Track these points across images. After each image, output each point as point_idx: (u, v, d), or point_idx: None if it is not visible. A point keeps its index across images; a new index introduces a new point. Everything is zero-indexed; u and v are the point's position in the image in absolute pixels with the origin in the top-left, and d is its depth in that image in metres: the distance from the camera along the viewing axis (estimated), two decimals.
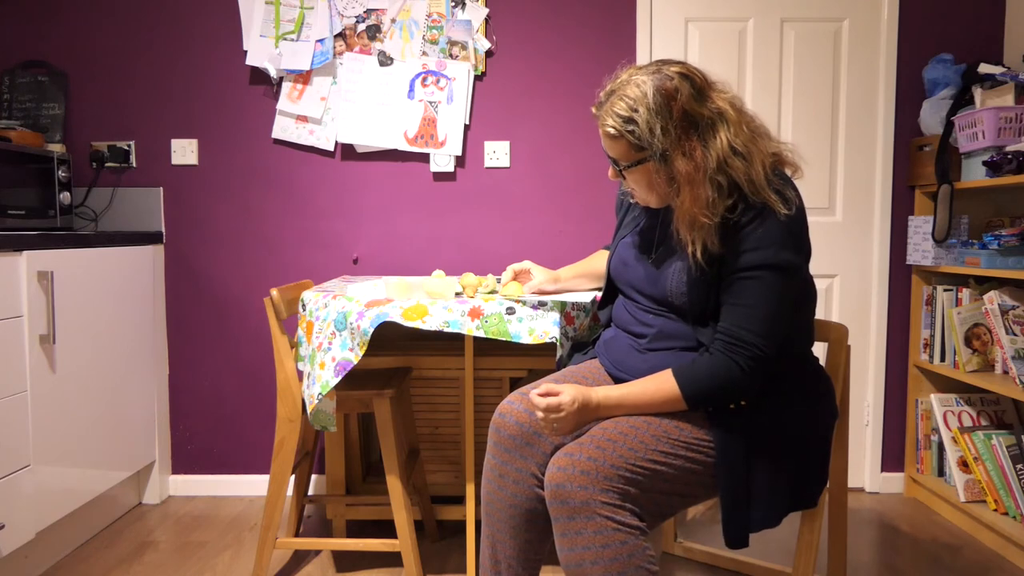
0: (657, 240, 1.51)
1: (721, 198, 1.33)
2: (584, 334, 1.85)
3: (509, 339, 1.71)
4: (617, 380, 1.57)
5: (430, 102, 2.57)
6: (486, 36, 2.58)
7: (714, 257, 1.36)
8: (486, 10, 2.56)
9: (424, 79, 2.57)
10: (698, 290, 1.39)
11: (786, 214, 1.33)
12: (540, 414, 1.35)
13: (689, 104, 1.32)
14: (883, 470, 2.71)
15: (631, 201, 1.59)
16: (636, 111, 1.32)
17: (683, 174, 1.32)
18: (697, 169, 1.31)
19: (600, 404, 1.38)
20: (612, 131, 1.36)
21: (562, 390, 1.35)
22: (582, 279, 1.85)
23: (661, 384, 1.37)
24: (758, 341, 1.32)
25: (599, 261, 1.85)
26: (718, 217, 1.33)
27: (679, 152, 1.32)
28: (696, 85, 1.34)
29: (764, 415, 1.38)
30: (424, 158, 2.62)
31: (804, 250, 1.39)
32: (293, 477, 2.38)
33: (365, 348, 1.77)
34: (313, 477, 2.65)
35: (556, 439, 1.47)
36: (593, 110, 1.41)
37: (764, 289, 1.33)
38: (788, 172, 1.43)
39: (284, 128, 2.60)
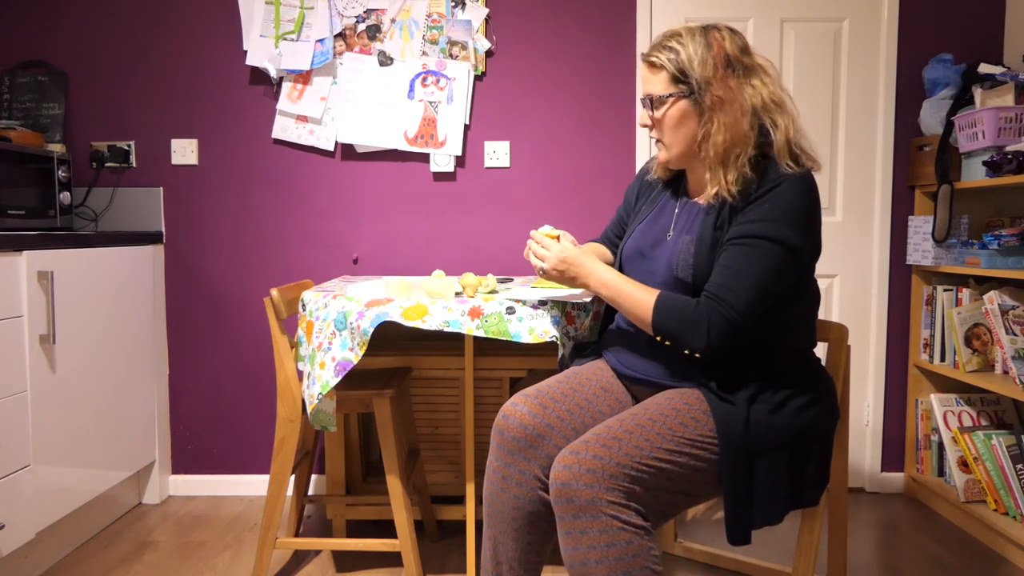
0: (674, 223, 1.53)
1: (751, 140, 1.39)
2: (585, 334, 1.85)
3: (509, 339, 1.71)
4: (623, 377, 1.57)
5: (430, 102, 2.57)
6: (486, 36, 2.58)
7: (719, 216, 1.42)
8: (486, 10, 2.56)
9: (424, 79, 2.57)
10: (704, 261, 1.40)
11: (799, 196, 1.36)
12: (532, 247, 1.52)
13: (731, 49, 1.40)
14: (883, 470, 2.71)
15: (650, 178, 1.65)
16: (681, 44, 1.41)
17: (717, 104, 1.38)
18: (733, 101, 1.38)
19: (592, 274, 1.48)
20: (655, 60, 1.43)
21: (565, 242, 1.50)
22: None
23: (645, 297, 1.41)
24: (736, 304, 1.34)
25: (598, 249, 1.85)
26: (744, 155, 1.38)
27: (717, 84, 1.38)
28: (740, 40, 1.43)
29: (767, 414, 1.38)
30: (424, 158, 2.62)
31: (810, 239, 1.39)
32: (293, 477, 2.38)
33: (365, 348, 1.77)
34: (313, 477, 2.65)
35: (560, 441, 1.47)
36: (641, 52, 1.50)
37: (755, 258, 1.35)
38: (808, 165, 1.43)
39: (284, 128, 2.60)
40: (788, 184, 1.37)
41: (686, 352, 1.39)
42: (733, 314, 1.33)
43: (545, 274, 1.51)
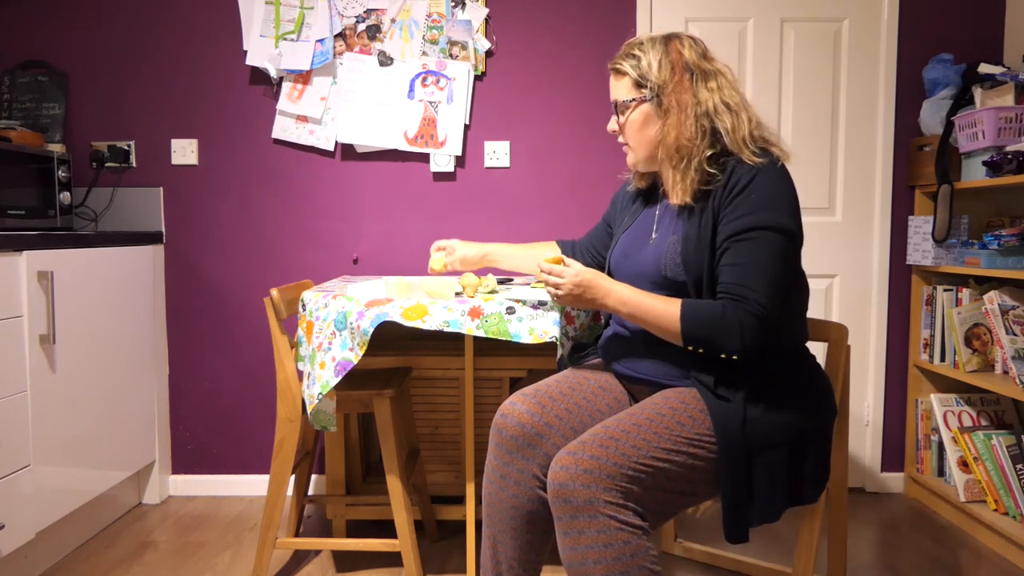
0: (656, 224, 1.55)
1: (703, 140, 1.43)
2: (584, 334, 1.85)
3: (509, 339, 1.71)
4: (621, 377, 1.58)
5: (430, 102, 2.57)
6: (486, 36, 2.58)
7: (703, 214, 1.43)
8: (486, 10, 2.56)
9: (424, 79, 2.57)
10: (692, 260, 1.41)
11: (779, 183, 1.39)
12: (543, 277, 1.47)
13: (689, 55, 1.47)
14: (883, 470, 2.71)
15: (630, 189, 1.67)
16: (643, 51, 1.48)
17: (672, 104, 1.44)
18: (686, 103, 1.44)
19: (611, 293, 1.44)
20: (619, 67, 1.51)
21: (572, 263, 1.46)
22: (515, 259, 1.92)
23: (669, 308, 1.39)
24: (760, 299, 1.34)
25: (543, 250, 1.90)
26: (699, 153, 1.43)
27: (672, 87, 1.45)
28: (700, 47, 1.50)
29: (764, 411, 1.38)
30: (424, 158, 2.62)
31: (799, 224, 1.41)
32: (293, 477, 2.38)
33: (365, 348, 1.77)
34: (313, 477, 2.65)
35: (559, 440, 1.47)
36: (609, 63, 1.54)
37: (763, 249, 1.36)
38: (775, 153, 1.46)
39: (284, 128, 2.60)
40: (765, 174, 1.39)
41: (722, 357, 1.39)
42: (760, 309, 1.34)
43: (560, 300, 1.48)
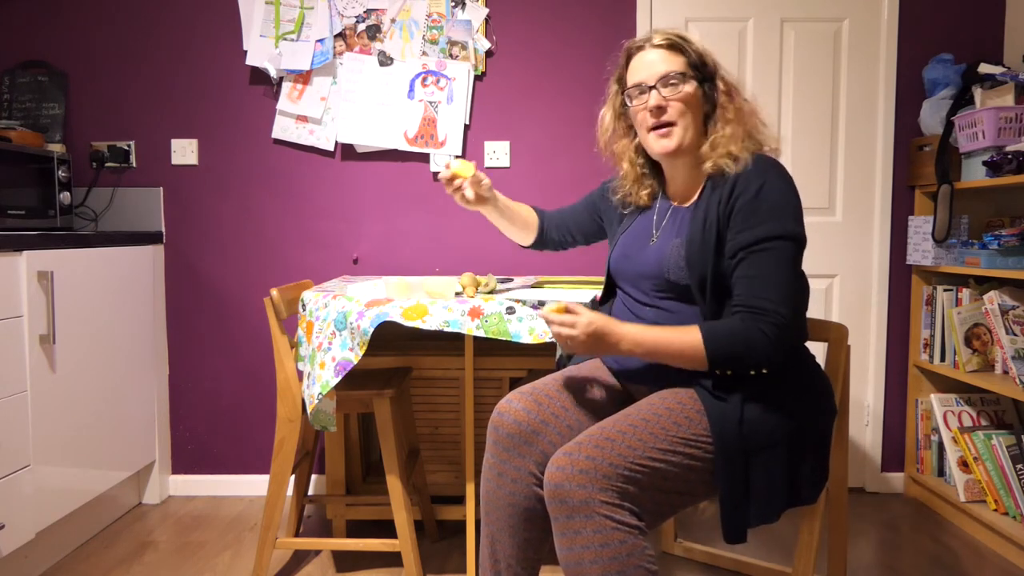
0: (656, 225, 1.54)
1: (744, 141, 1.46)
2: None
3: (509, 339, 1.71)
4: (619, 376, 1.57)
5: (430, 102, 2.57)
6: (486, 36, 2.58)
7: (707, 217, 1.42)
8: (486, 10, 2.56)
9: (424, 79, 2.57)
10: (696, 262, 1.40)
11: (786, 189, 1.39)
12: (554, 328, 1.38)
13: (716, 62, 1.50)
14: (883, 470, 2.71)
15: (616, 198, 1.65)
16: (688, 41, 1.47)
17: (720, 99, 1.46)
18: (725, 103, 1.46)
19: (624, 337, 1.37)
20: (675, 42, 1.46)
21: (581, 312, 1.38)
22: (508, 211, 1.80)
23: (686, 336, 1.36)
24: (778, 308, 1.33)
25: (522, 207, 1.84)
26: (725, 151, 1.44)
27: (719, 79, 1.47)
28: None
29: (761, 411, 1.38)
30: (424, 158, 2.62)
31: (803, 225, 1.41)
32: (293, 477, 2.38)
33: (365, 348, 1.77)
34: (313, 477, 2.65)
35: (555, 438, 1.47)
36: (626, 43, 1.52)
37: (777, 259, 1.36)
38: (769, 146, 1.49)
39: (284, 128, 2.60)
40: (772, 180, 1.39)
41: (751, 373, 1.38)
42: (780, 319, 1.33)
43: (572, 349, 1.41)
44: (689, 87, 1.45)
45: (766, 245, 1.36)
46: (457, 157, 1.79)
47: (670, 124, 1.46)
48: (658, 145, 1.48)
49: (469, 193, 1.67)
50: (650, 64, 1.47)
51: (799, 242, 1.39)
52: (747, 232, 1.37)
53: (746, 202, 1.38)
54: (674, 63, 1.45)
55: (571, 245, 1.88)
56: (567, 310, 1.38)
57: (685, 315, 1.44)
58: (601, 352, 1.40)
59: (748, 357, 1.34)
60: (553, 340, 1.70)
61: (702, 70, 1.46)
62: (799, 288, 1.39)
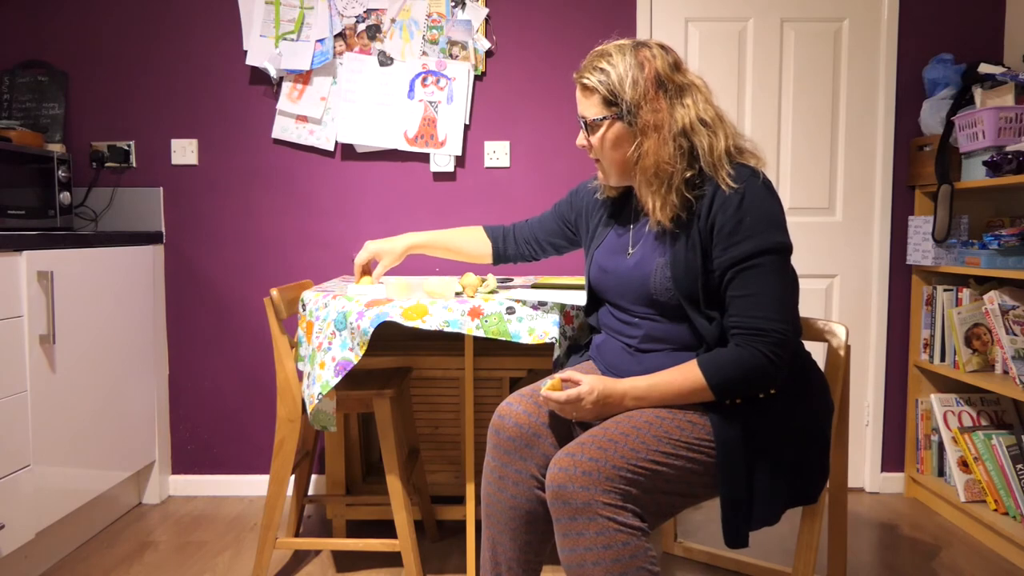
0: (632, 238, 1.53)
1: (682, 159, 1.38)
2: (581, 334, 1.85)
3: (509, 339, 1.71)
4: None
5: (430, 102, 2.57)
6: (486, 36, 2.58)
7: (688, 236, 1.39)
8: (486, 10, 2.56)
9: (424, 79, 2.57)
10: (683, 281, 1.39)
11: (767, 199, 1.36)
12: (556, 407, 1.38)
13: (662, 68, 1.39)
14: (883, 470, 2.71)
15: (599, 196, 1.63)
16: (612, 65, 1.39)
17: (648, 125, 1.37)
18: (662, 123, 1.37)
19: (627, 395, 1.38)
20: (587, 82, 1.41)
21: (581, 379, 1.37)
22: (434, 249, 1.90)
23: (687, 374, 1.36)
24: (776, 326, 1.33)
25: (463, 236, 1.90)
26: (679, 175, 1.37)
27: (647, 106, 1.37)
28: (671, 57, 1.41)
29: (763, 414, 1.38)
30: (424, 158, 2.62)
31: (787, 233, 1.39)
32: (293, 477, 2.38)
33: (365, 348, 1.77)
34: (313, 477, 2.65)
35: (556, 440, 1.47)
36: (575, 74, 1.46)
37: (767, 274, 1.34)
38: (752, 163, 1.42)
39: (284, 128, 2.60)
40: (753, 191, 1.36)
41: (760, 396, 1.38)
42: (780, 336, 1.33)
43: (581, 419, 1.42)
44: (608, 131, 1.41)
45: (754, 262, 1.34)
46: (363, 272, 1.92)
47: (598, 160, 1.49)
48: (599, 176, 1.54)
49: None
50: (579, 102, 1.47)
51: (786, 251, 1.36)
52: (733, 249, 1.35)
53: (728, 218, 1.35)
54: (587, 106, 1.43)
55: (541, 255, 1.90)
56: (566, 381, 1.40)
57: (673, 324, 1.44)
58: (607, 415, 1.40)
59: (754, 382, 1.34)
60: (553, 340, 1.70)
61: (620, 104, 1.38)
62: (792, 296, 1.37)
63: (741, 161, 1.41)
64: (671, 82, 1.38)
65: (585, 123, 1.45)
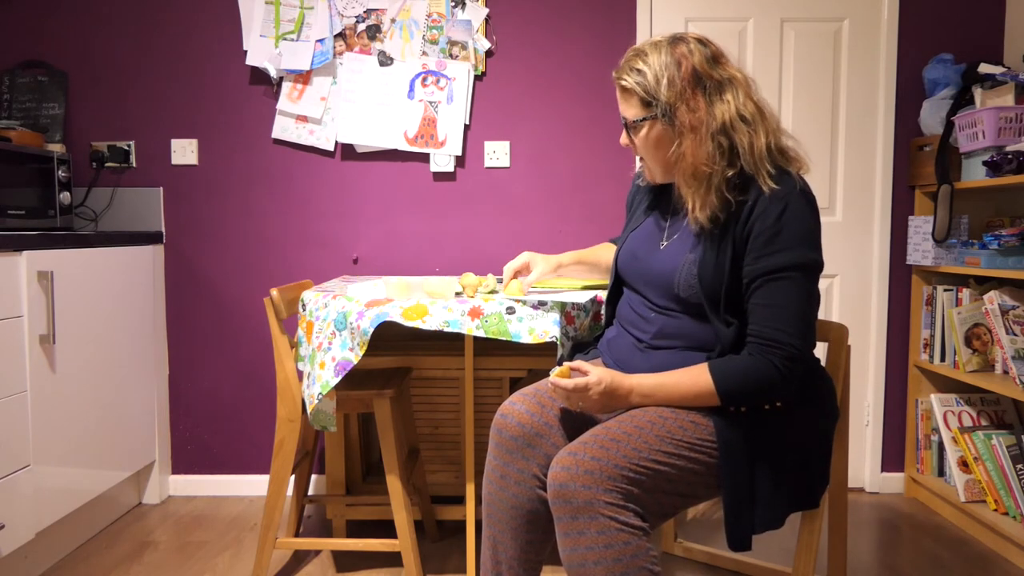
0: (668, 230, 1.52)
1: (722, 158, 1.36)
2: (585, 334, 1.85)
3: (509, 339, 1.71)
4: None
5: (430, 102, 2.57)
6: (486, 36, 2.58)
7: (723, 239, 1.37)
8: (486, 10, 2.56)
9: (424, 79, 2.57)
10: (709, 282, 1.38)
11: (808, 215, 1.34)
12: (563, 394, 1.37)
13: (700, 64, 1.36)
14: (883, 470, 2.71)
15: (640, 183, 1.63)
16: (648, 65, 1.37)
17: (686, 125, 1.36)
18: (700, 122, 1.35)
19: (633, 390, 1.38)
20: (625, 83, 1.40)
21: (589, 370, 1.37)
22: (581, 266, 1.84)
23: (696, 377, 1.36)
24: (793, 340, 1.32)
25: (604, 252, 1.85)
26: (718, 175, 1.36)
27: (684, 105, 1.35)
28: (710, 51, 1.39)
29: (767, 416, 1.38)
30: (424, 158, 2.62)
31: (821, 251, 1.38)
32: (293, 477, 2.38)
33: (365, 348, 1.77)
34: (313, 477, 2.65)
35: (558, 440, 1.47)
36: (613, 73, 1.45)
37: (795, 289, 1.33)
38: (794, 169, 1.40)
39: (284, 128, 2.60)
40: (796, 204, 1.34)
41: (766, 408, 1.38)
42: (794, 352, 1.32)
43: (587, 410, 1.43)
44: (650, 131, 1.40)
45: (786, 274, 1.33)
46: (516, 273, 1.80)
47: (642, 159, 1.50)
48: (644, 173, 1.54)
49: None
50: (619, 103, 1.46)
51: (817, 269, 1.36)
52: (766, 259, 1.34)
53: (766, 227, 1.34)
54: (627, 108, 1.42)
55: None
56: (574, 370, 1.39)
57: (690, 322, 1.44)
58: (613, 408, 1.40)
59: (761, 393, 1.34)
60: (553, 340, 1.70)
61: (658, 105, 1.37)
62: (814, 313, 1.37)
63: (783, 164, 1.39)
64: (709, 78, 1.36)
65: (626, 124, 1.44)
